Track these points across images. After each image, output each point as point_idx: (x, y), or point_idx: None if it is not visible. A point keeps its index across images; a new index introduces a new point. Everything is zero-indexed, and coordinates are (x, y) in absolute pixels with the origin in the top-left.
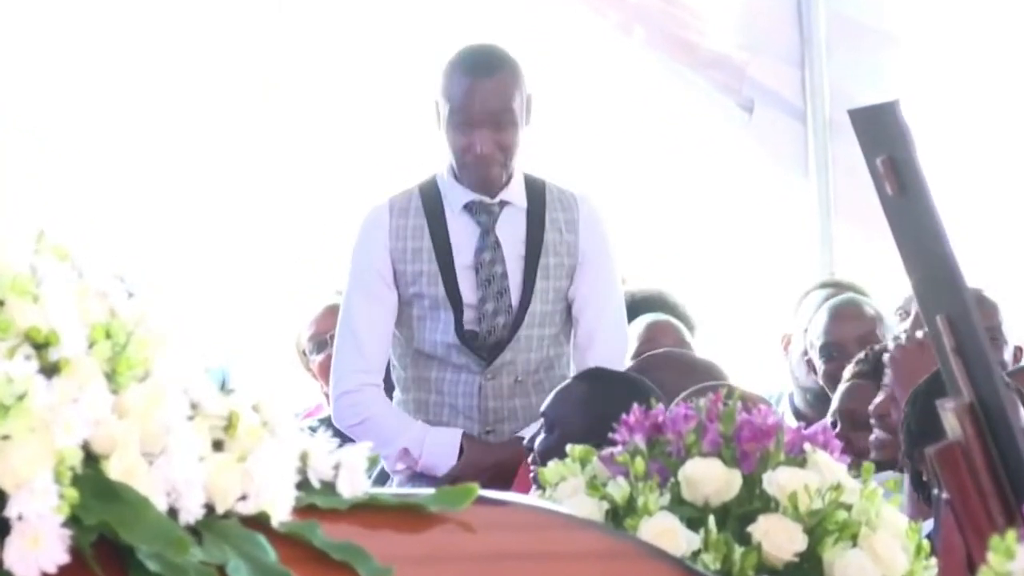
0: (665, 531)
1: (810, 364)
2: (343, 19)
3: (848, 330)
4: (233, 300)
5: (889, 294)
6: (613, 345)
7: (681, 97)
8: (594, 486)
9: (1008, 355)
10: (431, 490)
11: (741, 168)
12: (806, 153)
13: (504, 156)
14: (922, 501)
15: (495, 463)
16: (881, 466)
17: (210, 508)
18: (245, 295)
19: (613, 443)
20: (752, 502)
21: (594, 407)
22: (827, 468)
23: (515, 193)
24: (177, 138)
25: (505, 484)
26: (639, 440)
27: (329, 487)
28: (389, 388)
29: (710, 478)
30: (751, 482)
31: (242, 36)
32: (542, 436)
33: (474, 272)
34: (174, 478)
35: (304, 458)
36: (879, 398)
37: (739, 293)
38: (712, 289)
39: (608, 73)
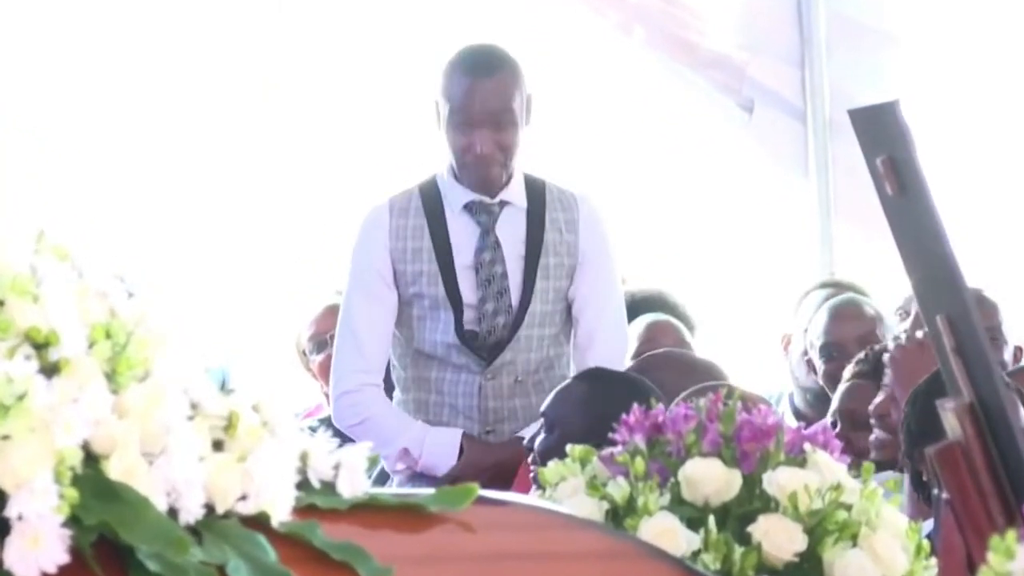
0: (665, 531)
1: (810, 364)
2: (343, 19)
3: (848, 330)
4: (233, 300)
5: (889, 294)
6: (613, 345)
7: (681, 97)
8: (594, 486)
9: (1008, 355)
10: (431, 490)
11: (741, 168)
12: (806, 153)
13: (504, 156)
14: (922, 501)
15: (495, 463)
16: (881, 466)
17: (210, 508)
18: (245, 295)
19: (613, 443)
20: (752, 502)
21: (594, 407)
22: (827, 468)
23: (515, 193)
24: (177, 138)
25: (505, 484)
26: (639, 440)
27: (329, 487)
28: (389, 388)
29: (710, 478)
30: (751, 482)
31: (242, 36)
32: (542, 436)
33: (474, 272)
34: (174, 478)
35: (304, 458)
36: (879, 398)
37: (739, 293)
38: (712, 289)
39: (608, 73)
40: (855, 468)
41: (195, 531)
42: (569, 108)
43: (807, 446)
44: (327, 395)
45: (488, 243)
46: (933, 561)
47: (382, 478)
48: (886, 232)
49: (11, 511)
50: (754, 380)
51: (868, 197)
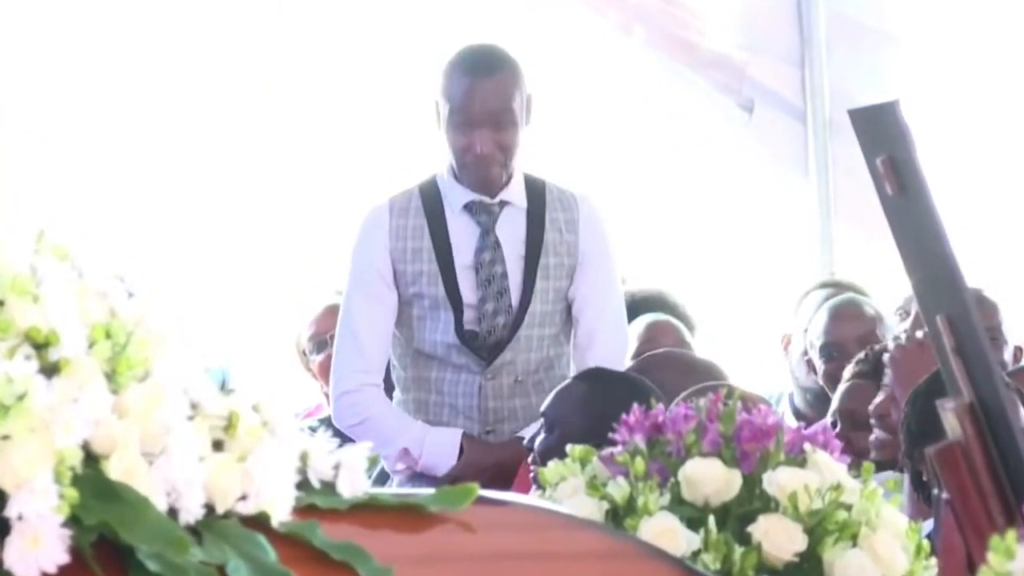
0: (665, 531)
1: (810, 364)
2: (343, 19)
3: (848, 330)
4: (233, 300)
5: (889, 294)
6: (613, 345)
7: (681, 97)
8: (594, 486)
9: (1008, 355)
10: (431, 490)
11: (741, 168)
12: (806, 153)
13: (504, 156)
14: (922, 501)
15: (495, 463)
16: (881, 466)
17: (210, 508)
18: (245, 295)
19: (613, 443)
20: (752, 502)
21: (594, 407)
22: (827, 468)
23: (515, 193)
24: (177, 138)
25: (505, 484)
26: (639, 440)
27: (329, 487)
28: (389, 388)
29: (710, 478)
30: (751, 482)
31: (242, 36)
32: (542, 436)
33: (474, 272)
34: (174, 478)
35: (304, 458)
36: (879, 398)
37: (739, 293)
38: (712, 289)
39: (608, 73)
40: (855, 468)
41: (195, 531)
42: (569, 108)
43: (807, 446)
44: (327, 395)
45: (488, 243)
46: (933, 561)
47: (382, 478)
48: (886, 232)
49: (11, 511)
50: (754, 380)
51: (868, 197)
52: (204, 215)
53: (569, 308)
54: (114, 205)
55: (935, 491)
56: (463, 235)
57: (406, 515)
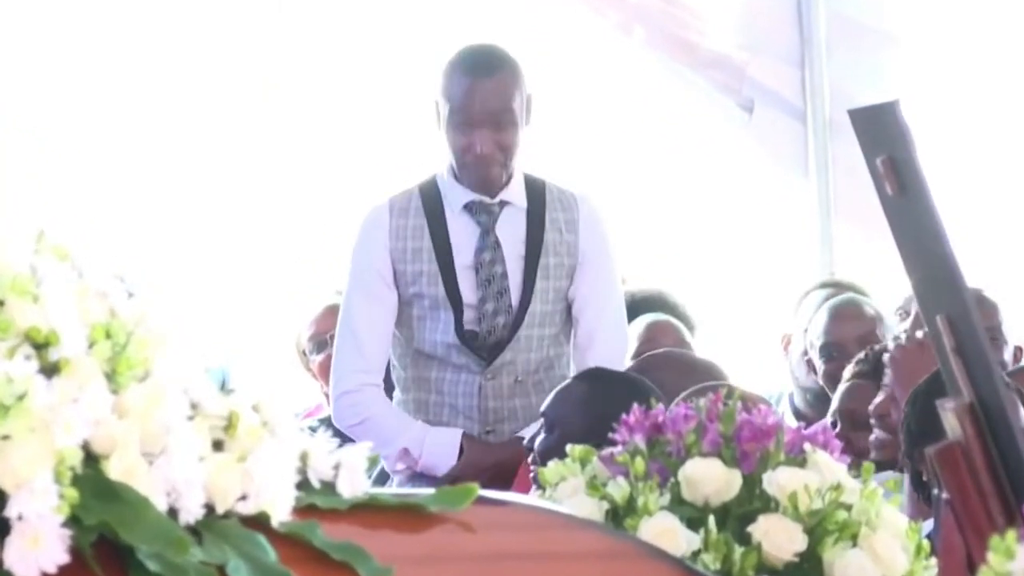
0: (665, 531)
1: (810, 364)
2: (343, 19)
3: (848, 330)
4: (233, 300)
5: (889, 294)
6: (613, 345)
7: (681, 97)
8: (594, 486)
9: (1008, 355)
10: (431, 490)
11: (741, 168)
12: (806, 153)
13: (504, 156)
14: (922, 501)
15: (495, 463)
16: (881, 466)
17: (210, 508)
18: (245, 295)
19: (613, 443)
20: (752, 502)
21: (594, 407)
22: (827, 468)
23: (515, 193)
24: (177, 138)
25: (505, 484)
26: (639, 440)
27: (329, 487)
28: (389, 388)
29: (710, 478)
30: (751, 482)
31: (242, 36)
32: (542, 436)
33: (474, 272)
34: (174, 478)
35: (304, 458)
36: (879, 398)
37: (739, 293)
38: (712, 289)
39: (608, 73)
40: (855, 468)
41: (195, 531)
42: (569, 108)
43: (807, 446)
44: (327, 395)
45: (488, 243)
46: (933, 561)
47: (382, 478)
48: (886, 232)
49: (11, 511)
50: (754, 380)
51: (868, 197)
52: (204, 215)
53: (569, 308)
54: (114, 205)
55: (935, 491)
56: (463, 235)
57: (406, 515)
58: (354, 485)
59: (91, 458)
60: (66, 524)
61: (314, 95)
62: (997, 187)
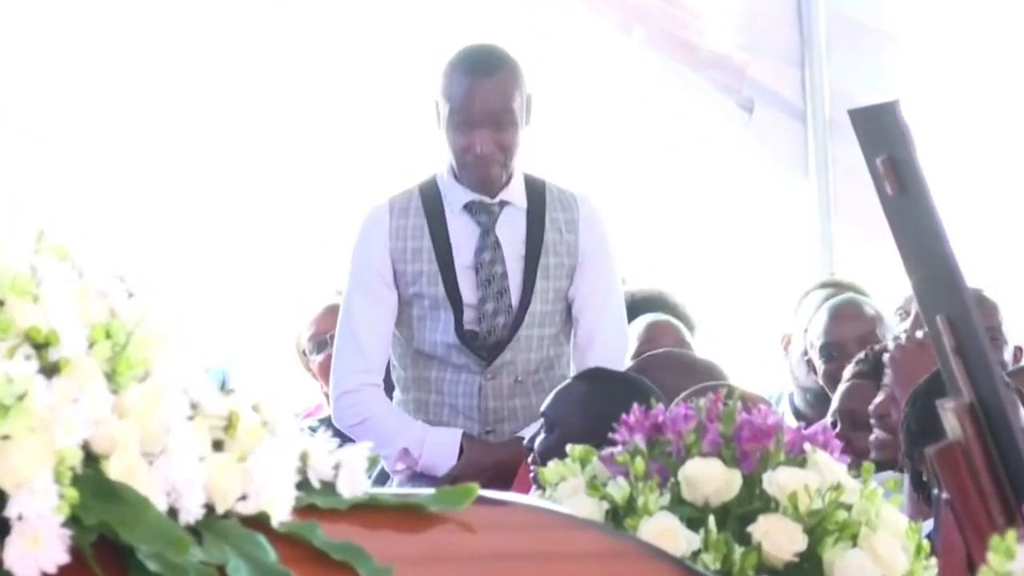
0: (665, 531)
1: (810, 364)
2: (343, 19)
3: (848, 330)
4: (233, 300)
5: (889, 294)
6: (613, 345)
7: (681, 97)
8: (594, 486)
9: (1008, 355)
10: (431, 490)
11: (741, 168)
12: (806, 153)
13: (504, 156)
14: (922, 501)
15: (495, 463)
16: (881, 466)
17: (210, 508)
18: (245, 295)
19: (613, 443)
20: (752, 502)
21: (594, 407)
22: (827, 468)
23: (515, 193)
24: (177, 138)
25: (505, 484)
26: (639, 440)
27: (329, 487)
28: (389, 388)
29: (710, 478)
30: (751, 482)
31: (242, 36)
32: (542, 436)
33: (474, 272)
34: (174, 478)
35: (304, 458)
36: (879, 398)
37: (739, 293)
38: (712, 289)
39: (608, 73)
40: (855, 468)
41: (195, 531)
42: (569, 108)
43: (807, 446)
44: (327, 395)
45: (488, 243)
46: (933, 561)
47: (382, 478)
48: (886, 232)
49: (11, 511)
50: (754, 380)
51: (868, 197)
52: (204, 215)
53: (569, 308)
54: (114, 205)
55: (935, 491)
56: (463, 235)
57: (406, 515)
58: (354, 485)
59: (91, 458)
60: (66, 524)
61: (314, 95)
62: (997, 187)
